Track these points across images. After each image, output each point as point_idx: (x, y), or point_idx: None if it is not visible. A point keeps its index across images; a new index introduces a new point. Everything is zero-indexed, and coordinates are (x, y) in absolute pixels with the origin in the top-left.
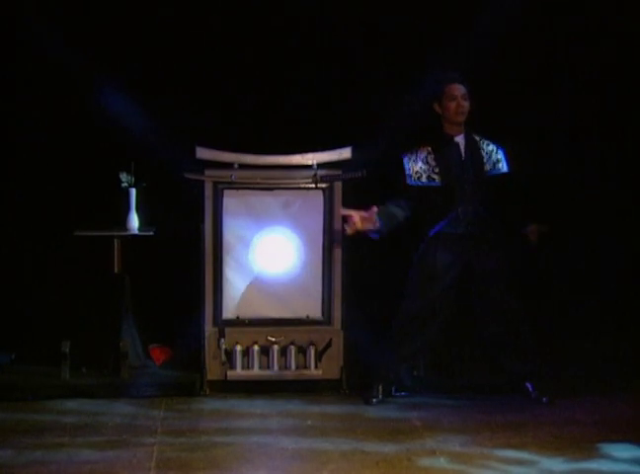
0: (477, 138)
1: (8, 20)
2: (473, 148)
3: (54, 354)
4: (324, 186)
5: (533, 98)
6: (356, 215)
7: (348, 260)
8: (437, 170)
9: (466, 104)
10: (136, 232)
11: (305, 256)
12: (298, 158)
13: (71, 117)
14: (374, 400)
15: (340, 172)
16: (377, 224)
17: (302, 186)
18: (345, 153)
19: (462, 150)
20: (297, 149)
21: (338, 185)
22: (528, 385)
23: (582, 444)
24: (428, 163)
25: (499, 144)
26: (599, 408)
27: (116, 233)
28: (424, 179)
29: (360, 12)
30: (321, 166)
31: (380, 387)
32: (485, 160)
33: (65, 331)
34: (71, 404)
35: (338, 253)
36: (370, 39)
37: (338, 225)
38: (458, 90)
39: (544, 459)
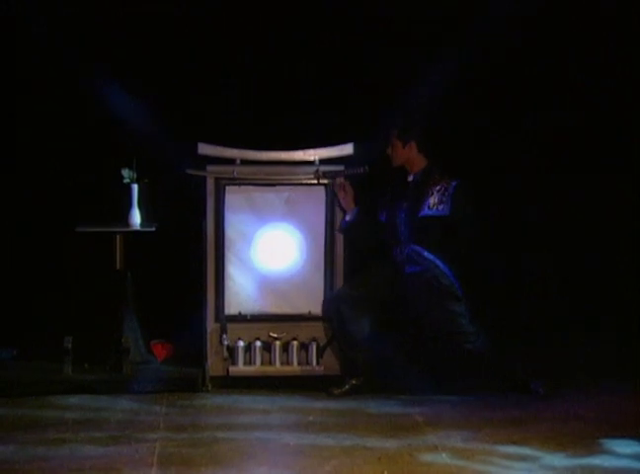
0: (433, 177)
1: (9, 16)
2: (419, 188)
3: (57, 349)
4: (326, 181)
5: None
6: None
7: (349, 256)
8: (386, 206)
9: (389, 150)
10: (138, 228)
11: (307, 252)
12: (300, 154)
13: (73, 113)
14: (336, 391)
15: (342, 168)
16: (353, 210)
17: (304, 182)
18: (346, 149)
19: (410, 190)
20: (299, 145)
21: (340, 180)
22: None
23: (584, 440)
24: (386, 197)
25: (459, 182)
26: (600, 404)
27: (117, 229)
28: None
29: (361, 10)
30: (323, 162)
31: (352, 382)
32: (423, 201)
33: (67, 327)
34: (73, 400)
35: (340, 249)
36: (371, 34)
37: (339, 221)
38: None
39: (546, 455)
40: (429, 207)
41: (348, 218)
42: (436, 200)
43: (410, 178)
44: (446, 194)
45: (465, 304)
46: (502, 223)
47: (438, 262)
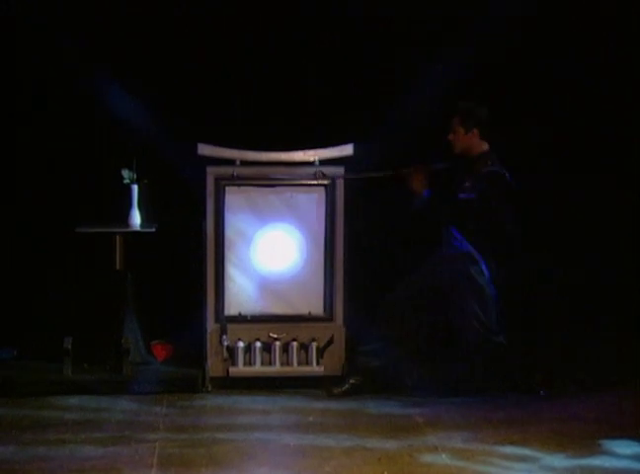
0: (484, 162)
1: (9, 17)
2: (465, 172)
3: (57, 350)
4: (326, 182)
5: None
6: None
7: (349, 256)
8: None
9: (451, 136)
10: (138, 229)
11: (307, 252)
12: (300, 155)
13: (73, 113)
14: (336, 390)
15: (368, 172)
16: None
17: (304, 182)
18: (346, 149)
19: (458, 174)
20: (299, 145)
21: (340, 181)
22: (526, 380)
23: (583, 441)
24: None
25: (492, 170)
26: (600, 404)
27: (117, 230)
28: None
29: (361, 10)
30: (323, 162)
31: (352, 381)
32: (463, 184)
33: (67, 327)
34: (73, 400)
35: (340, 249)
36: (371, 34)
37: (340, 222)
38: (452, 122)
39: (546, 456)
40: (464, 191)
41: (421, 200)
42: (469, 184)
43: (462, 160)
44: (479, 178)
45: (493, 296)
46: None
47: (468, 246)
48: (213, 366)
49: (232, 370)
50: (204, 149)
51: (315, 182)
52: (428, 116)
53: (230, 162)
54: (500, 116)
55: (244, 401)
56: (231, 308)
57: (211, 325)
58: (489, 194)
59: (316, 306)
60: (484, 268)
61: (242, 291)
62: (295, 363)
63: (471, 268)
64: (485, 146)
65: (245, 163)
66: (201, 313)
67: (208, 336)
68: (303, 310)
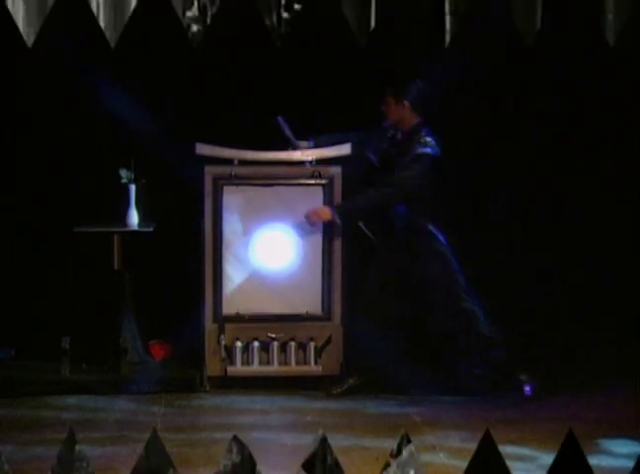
0: (417, 139)
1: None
2: (401, 148)
3: (54, 350)
4: (323, 182)
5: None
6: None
7: (347, 255)
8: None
9: (383, 108)
10: (136, 228)
11: (305, 252)
12: (298, 154)
13: (71, 113)
14: (335, 390)
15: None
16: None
17: (302, 182)
18: (344, 149)
19: (393, 147)
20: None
21: (337, 180)
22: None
23: (581, 440)
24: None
25: (423, 153)
26: (598, 404)
27: (115, 229)
28: None
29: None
30: (320, 162)
31: (350, 380)
32: (405, 161)
33: (65, 327)
34: (71, 400)
35: (337, 248)
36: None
37: (337, 221)
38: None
39: (543, 455)
40: (402, 168)
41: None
42: (407, 161)
43: (398, 135)
44: (412, 157)
45: (455, 263)
46: (502, 223)
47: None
48: (211, 366)
49: (230, 370)
50: (203, 149)
51: (313, 181)
52: (427, 115)
53: (228, 161)
54: (500, 115)
55: (242, 401)
56: (229, 308)
57: (209, 324)
58: (421, 175)
59: (314, 306)
60: (441, 236)
61: (240, 291)
62: (293, 363)
63: (430, 240)
64: (416, 119)
65: (243, 162)
66: (199, 313)
67: (206, 335)
68: (301, 310)
